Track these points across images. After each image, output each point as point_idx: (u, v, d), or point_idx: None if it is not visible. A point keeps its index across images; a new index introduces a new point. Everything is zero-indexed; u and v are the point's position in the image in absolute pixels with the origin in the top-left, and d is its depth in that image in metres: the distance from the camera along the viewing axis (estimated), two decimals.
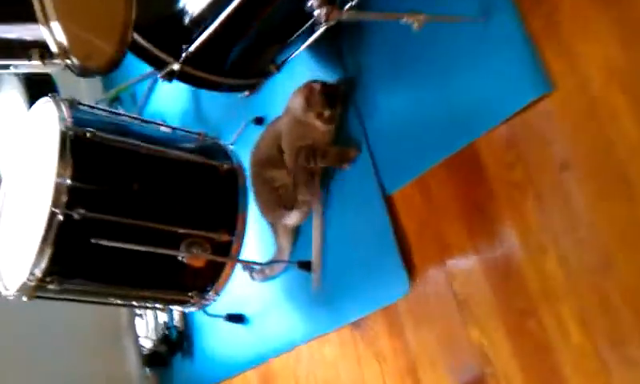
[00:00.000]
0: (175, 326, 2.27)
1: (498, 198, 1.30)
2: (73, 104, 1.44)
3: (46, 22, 1.08)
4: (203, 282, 1.54)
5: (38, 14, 1.07)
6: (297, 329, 1.78)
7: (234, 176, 1.57)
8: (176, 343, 2.26)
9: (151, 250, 1.40)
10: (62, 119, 1.35)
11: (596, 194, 1.16)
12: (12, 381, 2.20)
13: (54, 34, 1.09)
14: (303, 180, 1.63)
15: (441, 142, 1.41)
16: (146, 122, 1.69)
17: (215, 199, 1.55)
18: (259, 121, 1.95)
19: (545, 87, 1.22)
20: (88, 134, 1.35)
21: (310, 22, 1.45)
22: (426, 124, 1.44)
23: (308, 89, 1.60)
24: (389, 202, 1.54)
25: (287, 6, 1.48)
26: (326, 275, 1.66)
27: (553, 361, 1.19)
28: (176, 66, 1.46)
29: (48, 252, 1.29)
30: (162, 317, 2.32)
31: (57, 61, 1.15)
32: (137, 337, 2.45)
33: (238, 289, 1.69)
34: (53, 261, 1.30)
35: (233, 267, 1.53)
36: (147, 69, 1.54)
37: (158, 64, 1.47)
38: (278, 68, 1.63)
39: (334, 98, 1.59)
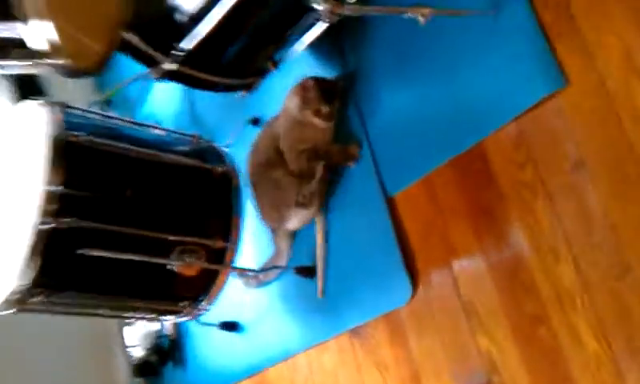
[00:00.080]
0: (166, 335, 2.20)
1: (508, 199, 1.26)
2: (63, 107, 1.38)
3: (34, 20, 1.02)
4: (196, 291, 1.49)
5: (26, 11, 1.01)
6: (293, 336, 1.72)
7: (228, 179, 1.52)
8: (167, 352, 2.20)
9: (142, 258, 1.35)
10: (50, 123, 1.28)
11: (612, 195, 1.12)
12: None
13: (42, 32, 1.03)
14: (306, 183, 1.58)
15: (447, 142, 1.36)
16: (139, 124, 1.63)
17: (209, 204, 1.51)
18: (256, 121, 1.89)
19: (558, 83, 1.18)
20: (78, 138, 1.29)
21: (309, 17, 1.39)
22: (431, 122, 1.39)
23: (303, 86, 1.56)
24: (391, 203, 1.49)
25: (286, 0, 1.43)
26: (326, 281, 1.61)
27: (565, 370, 1.15)
28: (169, 66, 1.40)
29: (36, 263, 1.22)
30: (153, 325, 2.25)
31: (45, 60, 1.10)
32: (127, 346, 2.38)
33: (232, 295, 1.63)
34: (41, 272, 1.24)
35: (227, 275, 1.48)
36: (140, 69, 1.48)
37: (151, 63, 1.41)
38: (276, 65, 1.57)
39: (331, 94, 1.55)
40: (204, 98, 2.10)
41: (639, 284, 1.05)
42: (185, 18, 1.35)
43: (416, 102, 1.44)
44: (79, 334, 2.34)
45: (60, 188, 1.22)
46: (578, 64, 1.16)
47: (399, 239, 1.45)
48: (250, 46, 1.52)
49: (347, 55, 1.63)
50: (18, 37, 1.05)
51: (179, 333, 2.19)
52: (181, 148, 1.54)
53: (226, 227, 1.47)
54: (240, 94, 1.64)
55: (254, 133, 1.75)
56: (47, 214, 1.21)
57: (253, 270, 1.77)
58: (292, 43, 1.55)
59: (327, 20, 1.17)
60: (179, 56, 1.38)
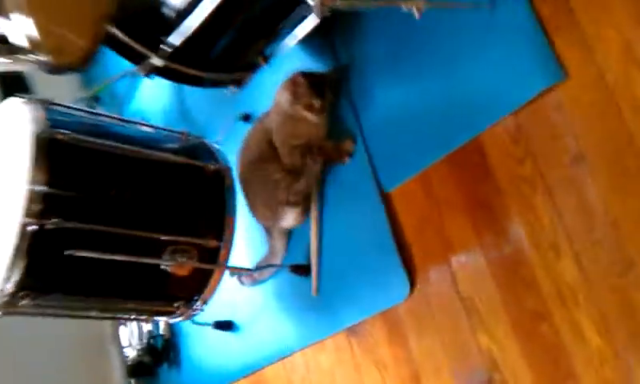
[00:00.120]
0: (161, 335, 2.17)
1: (506, 194, 1.24)
2: (46, 104, 1.34)
3: (15, 15, 0.98)
4: (190, 291, 1.46)
5: (7, 6, 0.97)
6: (289, 335, 1.70)
7: (220, 177, 1.48)
8: (162, 352, 2.17)
9: (132, 259, 1.31)
10: (34, 121, 1.24)
11: (612, 188, 1.10)
12: None
13: (22, 27, 0.99)
14: (299, 181, 1.55)
15: (443, 136, 1.33)
16: (127, 121, 1.59)
17: (201, 202, 1.47)
18: (247, 117, 1.86)
19: (557, 76, 1.15)
20: (63, 137, 1.25)
21: (300, 11, 1.35)
22: (427, 117, 1.37)
23: (293, 81, 1.53)
24: (386, 199, 1.46)
25: None
26: (320, 278, 1.59)
27: (568, 366, 1.13)
28: (156, 61, 1.36)
29: (20, 265, 1.19)
30: (147, 325, 2.22)
31: (27, 57, 1.06)
32: (121, 346, 2.35)
33: (226, 294, 1.60)
34: (26, 274, 1.20)
35: (221, 275, 1.45)
36: (128, 65, 1.44)
37: (137, 59, 1.38)
38: (267, 60, 1.54)
39: (321, 87, 1.52)
40: (193, 93, 2.07)
41: None
42: (172, 13, 1.32)
43: (411, 96, 1.41)
44: (72, 335, 2.31)
45: (44, 188, 1.19)
46: (577, 57, 1.14)
47: (395, 235, 1.43)
48: (240, 40, 1.49)
49: (339, 50, 1.60)
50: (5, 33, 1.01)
51: (173, 332, 2.16)
52: (170, 145, 1.50)
53: (220, 226, 1.44)
54: (230, 89, 1.61)
55: (245, 129, 1.71)
56: (31, 214, 1.17)
57: (247, 269, 1.74)
58: (283, 37, 1.52)
59: (319, 13, 1.13)
60: (166, 51, 1.34)
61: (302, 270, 1.60)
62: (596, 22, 1.11)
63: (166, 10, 1.35)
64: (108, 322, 2.41)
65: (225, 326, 1.87)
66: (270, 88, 1.61)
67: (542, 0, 1.17)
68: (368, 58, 1.52)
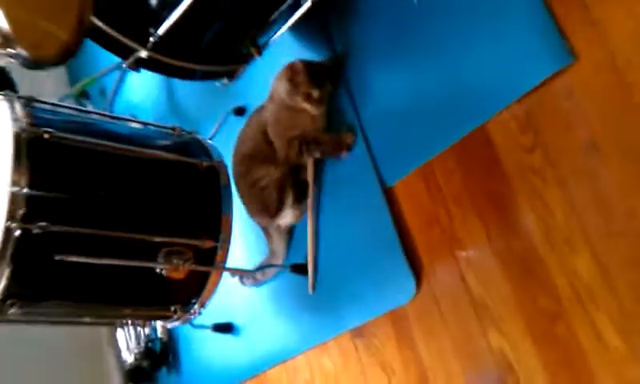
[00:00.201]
0: (159, 338, 2.11)
1: (516, 186, 1.17)
2: (29, 102, 1.27)
3: None
4: (186, 294, 1.40)
5: None
6: (291, 337, 1.64)
7: (215, 174, 1.42)
8: (160, 356, 2.11)
9: (125, 263, 1.26)
10: (15, 119, 1.18)
11: (629, 178, 1.03)
12: None
13: None
14: (296, 175, 1.49)
15: (447, 126, 1.27)
16: (114, 118, 1.52)
17: (196, 201, 1.40)
18: (240, 111, 1.79)
19: (565, 59, 1.09)
20: (46, 135, 1.18)
21: None
22: (430, 106, 1.30)
23: (291, 70, 1.46)
24: (389, 194, 1.40)
25: None
26: (322, 278, 1.53)
27: (586, 368, 1.07)
28: (143, 53, 1.30)
29: (6, 272, 1.13)
30: (145, 328, 2.16)
31: (3, 51, 0.99)
32: (118, 351, 2.29)
33: (225, 295, 1.54)
34: (12, 281, 1.14)
35: (219, 276, 1.39)
36: (118, 59, 1.38)
37: (123, 52, 1.31)
38: (260, 51, 1.47)
39: (320, 77, 1.45)
40: (185, 87, 2.00)
41: None
42: (158, 2, 1.25)
43: (412, 85, 1.34)
44: (67, 339, 2.27)
45: (27, 189, 1.13)
46: (586, 39, 1.08)
47: (400, 232, 1.37)
48: (231, 29, 1.42)
49: (335, 38, 1.53)
50: None
51: (171, 336, 2.10)
52: (161, 142, 1.44)
53: (216, 225, 1.38)
54: (222, 81, 1.54)
55: (239, 123, 1.65)
56: (14, 218, 1.11)
57: (246, 270, 1.68)
58: (276, 26, 1.44)
59: None
60: (152, 43, 1.27)
61: (303, 269, 1.54)
62: (605, 1, 1.05)
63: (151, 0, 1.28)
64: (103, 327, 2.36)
65: (224, 328, 1.82)
66: (265, 80, 1.54)
67: None
68: (366, 45, 1.46)
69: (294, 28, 1.46)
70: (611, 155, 1.05)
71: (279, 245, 1.62)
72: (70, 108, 1.43)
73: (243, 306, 1.79)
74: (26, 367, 2.16)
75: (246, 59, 1.51)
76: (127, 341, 2.21)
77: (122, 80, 2.39)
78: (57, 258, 1.16)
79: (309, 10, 1.29)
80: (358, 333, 1.47)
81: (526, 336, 1.15)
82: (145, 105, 2.25)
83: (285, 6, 1.39)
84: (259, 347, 1.74)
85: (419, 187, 1.34)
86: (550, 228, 1.11)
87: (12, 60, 1.00)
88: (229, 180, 1.43)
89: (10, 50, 0.96)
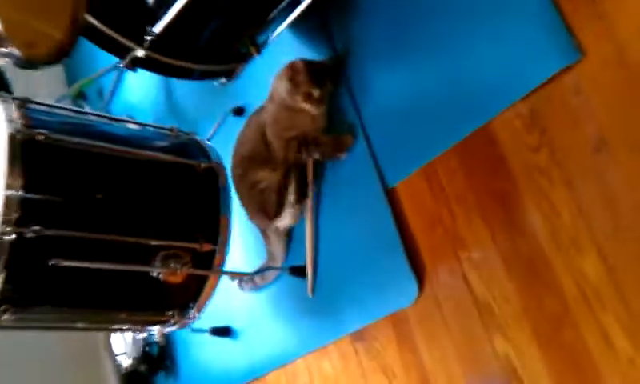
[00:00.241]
0: (156, 342, 2.08)
1: (521, 186, 1.14)
2: (24, 103, 1.25)
3: None
4: (184, 299, 1.38)
5: None
6: (290, 341, 1.62)
7: (213, 175, 1.40)
8: (157, 360, 2.10)
9: (121, 267, 1.24)
10: (10, 121, 1.16)
11: (639, 177, 0.99)
12: None
13: None
14: (295, 177, 1.46)
15: (450, 125, 1.24)
16: (112, 119, 1.50)
17: (193, 203, 1.38)
18: (239, 111, 1.77)
19: (572, 55, 1.06)
20: (41, 137, 1.17)
21: None
22: (433, 105, 1.27)
23: (291, 69, 1.44)
24: (391, 195, 1.38)
25: None
26: (322, 281, 1.51)
27: (594, 375, 1.04)
28: (140, 52, 1.28)
29: None
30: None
31: None
32: (114, 355, 2.27)
33: (224, 298, 1.52)
34: (5, 287, 1.13)
35: (217, 280, 1.37)
36: (116, 59, 1.35)
37: (119, 51, 1.29)
38: (259, 50, 1.44)
39: (321, 76, 1.43)
40: (183, 87, 1.98)
41: None
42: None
43: (414, 83, 1.32)
44: (65, 343, 2.26)
45: (21, 193, 1.11)
46: (594, 34, 1.04)
47: (402, 233, 1.34)
48: (228, 27, 1.40)
49: (336, 36, 1.51)
50: None
51: (169, 339, 2.08)
52: (159, 143, 1.42)
53: (214, 228, 1.36)
54: (221, 81, 1.51)
55: (238, 124, 1.62)
56: (8, 222, 1.09)
57: (245, 274, 1.66)
58: (275, 24, 1.42)
59: None
60: (149, 41, 1.25)
61: (302, 271, 1.52)
62: None
63: None
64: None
65: (222, 332, 1.80)
66: (264, 79, 1.52)
67: None
68: (367, 43, 1.43)
69: (294, 26, 1.44)
70: (619, 152, 1.02)
71: (278, 247, 1.60)
72: (67, 109, 1.41)
73: (241, 309, 1.77)
74: (22, 372, 2.15)
75: (244, 58, 1.49)
76: (124, 345, 2.19)
77: (119, 80, 2.37)
78: (52, 262, 1.14)
79: (309, 8, 1.27)
80: (358, 336, 1.45)
81: (532, 339, 1.12)
82: (143, 105, 2.24)
83: (284, 3, 1.37)
84: (258, 351, 1.72)
85: (422, 187, 1.31)
86: (556, 228, 1.09)
87: (5, 59, 0.97)
88: (227, 182, 1.41)
89: (2, 50, 0.93)
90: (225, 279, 1.50)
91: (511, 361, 1.15)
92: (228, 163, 1.50)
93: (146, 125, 1.50)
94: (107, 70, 2.14)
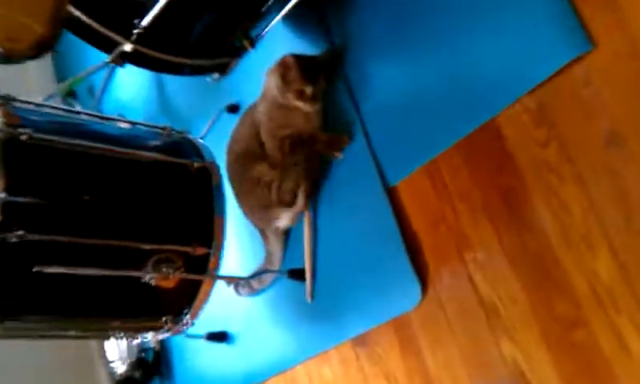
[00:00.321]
0: (151, 347, 2.04)
1: (529, 183, 1.10)
2: (6, 101, 1.20)
3: None
4: (177, 304, 1.34)
5: None
6: (289, 346, 1.57)
7: (206, 175, 1.36)
8: (153, 366, 2.06)
9: (111, 273, 1.19)
10: None
11: None
12: None
13: None
14: (292, 176, 1.41)
15: (453, 120, 1.19)
16: (102, 117, 1.46)
17: (186, 205, 1.34)
18: (234, 108, 1.72)
19: (582, 46, 1.02)
20: (24, 136, 1.12)
21: None
22: (435, 100, 1.23)
23: (282, 65, 1.38)
24: (392, 194, 1.33)
25: None
26: (322, 284, 1.46)
27: (608, 379, 0.99)
28: (127, 47, 1.23)
29: None
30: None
31: None
32: (109, 361, 2.22)
33: (219, 302, 1.47)
34: None
35: (211, 285, 1.32)
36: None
37: (106, 45, 1.24)
38: (253, 44, 1.40)
39: (314, 72, 1.38)
40: (175, 83, 1.93)
41: None
42: None
43: (416, 78, 1.27)
44: (58, 349, 2.22)
45: (2, 195, 1.06)
46: (606, 23, 1.00)
47: (404, 234, 1.29)
48: (221, 20, 1.35)
49: (333, 29, 1.46)
50: None
51: (164, 345, 2.04)
52: (150, 142, 1.37)
53: (208, 230, 1.33)
54: (213, 77, 1.47)
55: (232, 121, 1.57)
56: None
57: (241, 277, 1.61)
58: (270, 17, 1.37)
59: None
60: (137, 35, 1.20)
61: (301, 274, 1.47)
62: None
63: None
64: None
65: (218, 337, 1.75)
66: (259, 74, 1.47)
67: None
68: (366, 36, 1.38)
69: (290, 19, 1.39)
70: (633, 146, 0.97)
71: (276, 247, 1.55)
72: (54, 107, 1.37)
73: (238, 313, 1.72)
74: (16, 379, 2.12)
75: (238, 52, 1.46)
76: (118, 350, 2.15)
77: (110, 78, 2.32)
78: (37, 269, 1.10)
79: (304, 0, 1.22)
80: (359, 341, 1.40)
81: (540, 342, 1.08)
82: (134, 103, 2.19)
83: None
84: (256, 357, 1.68)
85: (424, 186, 1.26)
86: (566, 225, 1.04)
87: None
88: (221, 181, 1.38)
89: None
90: (220, 283, 1.46)
91: (519, 364, 1.11)
92: (222, 162, 1.45)
93: (138, 123, 1.46)
94: (98, 67, 2.09)
